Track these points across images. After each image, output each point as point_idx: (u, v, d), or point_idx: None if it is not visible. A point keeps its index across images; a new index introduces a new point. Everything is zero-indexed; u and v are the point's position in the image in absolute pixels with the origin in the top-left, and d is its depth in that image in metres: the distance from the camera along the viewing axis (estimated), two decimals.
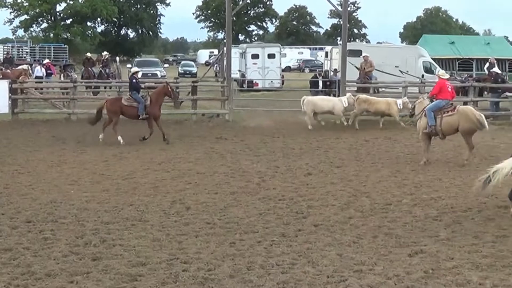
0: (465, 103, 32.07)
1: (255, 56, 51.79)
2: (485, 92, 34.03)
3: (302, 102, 28.64)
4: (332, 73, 38.63)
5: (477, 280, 9.96)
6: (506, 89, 32.10)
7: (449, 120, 20.23)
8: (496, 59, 39.08)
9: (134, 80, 25.23)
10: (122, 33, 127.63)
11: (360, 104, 28.46)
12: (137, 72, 26.61)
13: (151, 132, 24.07)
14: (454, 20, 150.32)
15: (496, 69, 34.33)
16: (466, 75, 44.91)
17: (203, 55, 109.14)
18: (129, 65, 56.22)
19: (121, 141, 23.62)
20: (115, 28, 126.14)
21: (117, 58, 47.15)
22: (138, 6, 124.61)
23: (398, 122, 28.00)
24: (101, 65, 41.95)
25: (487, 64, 36.57)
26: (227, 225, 13.09)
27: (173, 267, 10.61)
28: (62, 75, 43.72)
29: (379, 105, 28.60)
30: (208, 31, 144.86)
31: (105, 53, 41.39)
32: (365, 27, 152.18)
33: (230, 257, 11.06)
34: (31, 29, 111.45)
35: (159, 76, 50.79)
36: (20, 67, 39.21)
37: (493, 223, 13.20)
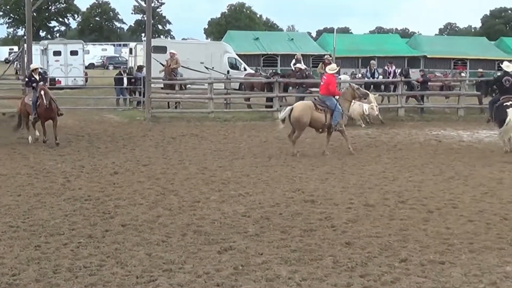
0: (269, 99, 32.85)
1: (57, 53, 50.83)
2: (290, 88, 34.79)
3: None
4: (136, 70, 38.40)
5: (286, 274, 10.06)
6: (310, 84, 32.84)
7: None
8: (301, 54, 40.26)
9: (27, 79, 24.26)
10: None
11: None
12: (35, 69, 24.65)
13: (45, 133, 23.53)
14: (258, 16, 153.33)
15: (300, 65, 35.11)
16: (271, 71, 45.92)
17: (3, 52, 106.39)
18: None
19: (30, 141, 23.34)
20: None
21: None
22: None
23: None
24: None
25: (294, 60, 37.46)
26: (31, 228, 12.62)
27: None
28: None
29: None
30: (7, 27, 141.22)
31: None
32: (169, 23, 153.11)
33: (36, 261, 10.67)
34: None
35: None
36: None
37: (300, 218, 13.42)
